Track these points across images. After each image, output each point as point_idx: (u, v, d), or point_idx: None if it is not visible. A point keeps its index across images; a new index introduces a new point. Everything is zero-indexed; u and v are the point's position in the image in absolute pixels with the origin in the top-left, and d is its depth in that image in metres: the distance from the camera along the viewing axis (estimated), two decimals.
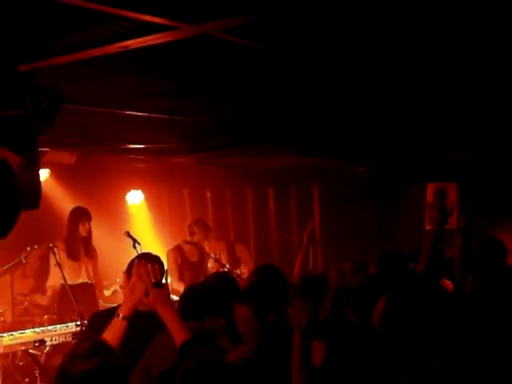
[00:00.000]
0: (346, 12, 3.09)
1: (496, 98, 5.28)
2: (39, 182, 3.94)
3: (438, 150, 7.85)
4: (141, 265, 4.00)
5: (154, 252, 4.47)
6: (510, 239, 5.74)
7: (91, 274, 8.11)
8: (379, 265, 5.35)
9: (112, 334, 3.83)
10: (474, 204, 4.72)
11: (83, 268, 8.03)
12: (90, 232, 8.11)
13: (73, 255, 7.95)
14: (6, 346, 6.68)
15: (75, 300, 6.92)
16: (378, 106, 5.55)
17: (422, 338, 3.63)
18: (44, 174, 8.11)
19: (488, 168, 9.04)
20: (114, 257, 8.52)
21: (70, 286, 7.37)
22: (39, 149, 4.05)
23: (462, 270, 4.73)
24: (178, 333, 3.65)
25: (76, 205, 8.40)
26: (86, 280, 8.02)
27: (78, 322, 6.74)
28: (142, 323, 4.03)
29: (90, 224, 8.08)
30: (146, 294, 3.82)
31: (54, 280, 7.73)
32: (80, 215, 8.05)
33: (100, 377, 3.11)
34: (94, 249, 8.26)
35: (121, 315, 3.89)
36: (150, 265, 3.96)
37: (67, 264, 7.81)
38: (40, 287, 8.33)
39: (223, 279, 4.93)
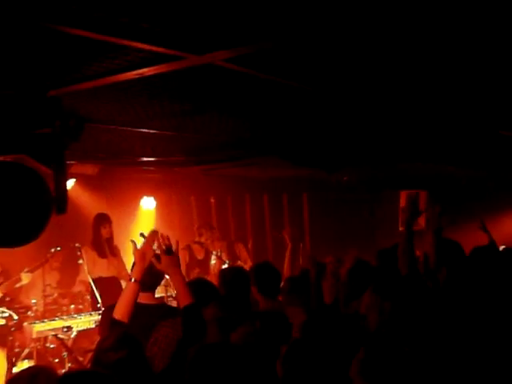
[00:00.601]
0: (335, 42, 3.11)
1: (463, 117, 5.29)
2: (66, 190, 3.94)
3: (410, 161, 7.88)
4: (153, 233, 3.92)
5: None
6: (468, 236, 5.79)
7: (118, 268, 8.18)
8: (379, 259, 5.37)
9: (125, 296, 3.78)
10: (439, 208, 4.73)
11: (111, 264, 8.10)
12: (111, 234, 8.18)
13: (101, 254, 8.04)
14: (38, 332, 6.77)
15: (100, 292, 7.02)
16: (357, 125, 5.56)
17: (403, 326, 3.60)
18: (70, 183, 8.13)
19: (453, 177, 9.08)
20: (129, 254, 8.54)
21: (102, 278, 7.75)
22: (66, 161, 4.05)
23: (436, 264, 4.72)
24: (182, 296, 3.61)
25: (98, 209, 8.51)
26: (115, 274, 8.09)
27: (100, 311, 6.78)
28: (144, 315, 3.93)
29: (110, 227, 8.17)
30: (159, 259, 3.74)
31: (82, 276, 7.82)
32: (101, 220, 8.15)
33: (133, 363, 3.10)
34: (116, 247, 8.32)
35: (133, 279, 3.83)
36: (161, 233, 3.85)
37: (98, 261, 7.98)
38: (65, 280, 8.37)
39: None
